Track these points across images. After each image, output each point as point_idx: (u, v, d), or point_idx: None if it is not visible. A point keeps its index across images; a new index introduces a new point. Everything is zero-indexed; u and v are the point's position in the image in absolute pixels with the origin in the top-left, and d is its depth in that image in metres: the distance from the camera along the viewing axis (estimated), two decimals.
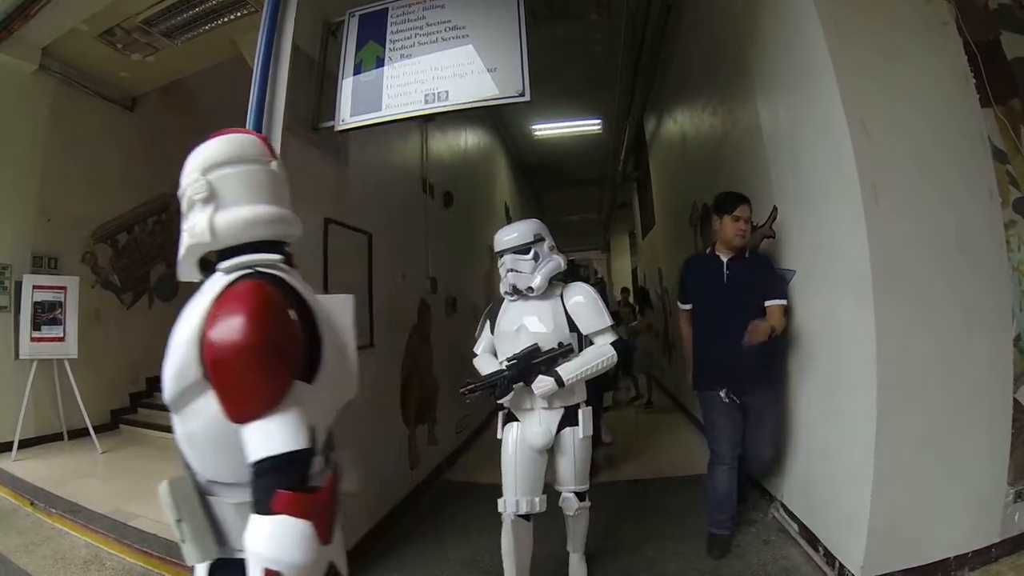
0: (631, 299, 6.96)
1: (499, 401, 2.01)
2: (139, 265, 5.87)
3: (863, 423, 2.02)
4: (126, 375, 5.53)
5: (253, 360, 0.80)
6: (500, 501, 2.06)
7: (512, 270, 2.09)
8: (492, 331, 2.21)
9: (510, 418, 2.14)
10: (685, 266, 2.83)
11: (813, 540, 2.42)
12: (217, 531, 0.89)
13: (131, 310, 5.75)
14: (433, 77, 2.43)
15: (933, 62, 2.13)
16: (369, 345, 3.09)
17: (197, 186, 0.97)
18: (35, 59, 3.52)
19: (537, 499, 2.05)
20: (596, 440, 3.43)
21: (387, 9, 2.59)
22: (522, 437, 2.06)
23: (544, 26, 4.96)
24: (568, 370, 1.97)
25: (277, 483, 0.77)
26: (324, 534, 0.79)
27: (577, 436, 2.10)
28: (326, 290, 2.64)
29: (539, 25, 4.79)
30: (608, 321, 2.06)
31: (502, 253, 2.12)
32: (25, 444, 4.33)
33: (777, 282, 2.53)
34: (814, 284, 2.44)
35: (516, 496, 2.03)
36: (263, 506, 0.76)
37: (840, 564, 2.17)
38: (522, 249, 2.08)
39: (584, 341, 2.10)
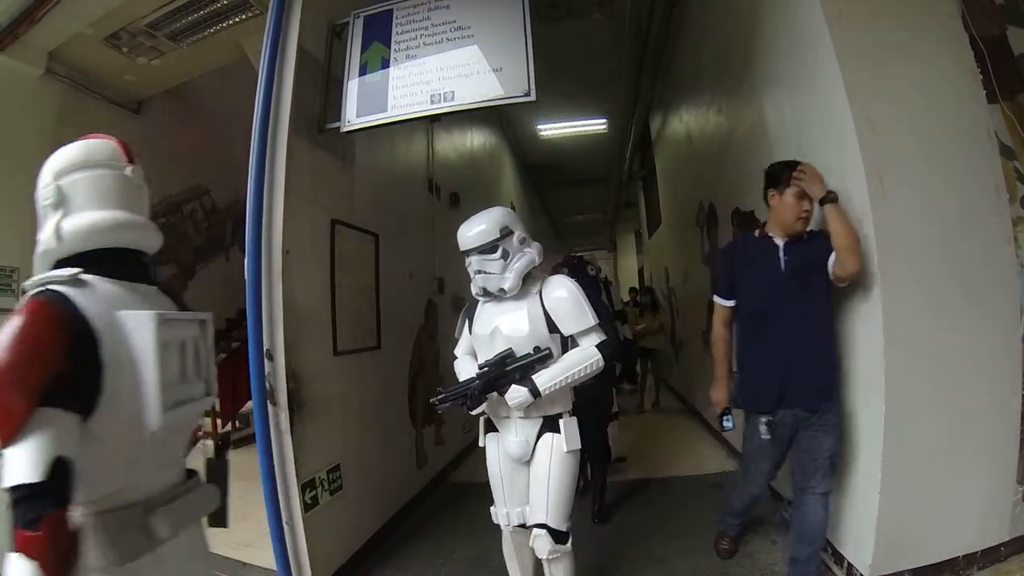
0: (640, 299, 6.75)
1: (471, 413, 1.79)
2: None
3: (871, 421, 2.02)
4: None
5: None
6: (493, 511, 1.97)
7: (480, 271, 1.82)
8: (471, 331, 1.96)
9: (491, 425, 1.95)
10: (724, 253, 2.41)
11: None
12: None
13: None
14: (439, 77, 2.44)
15: (939, 57, 2.12)
16: (376, 347, 3.10)
17: (47, 191, 0.97)
18: (41, 63, 3.53)
19: (528, 509, 1.90)
20: (605, 456, 3.22)
21: (392, 10, 2.60)
22: (503, 447, 1.91)
23: (548, 26, 4.95)
24: (545, 379, 1.72)
25: (15, 519, 0.76)
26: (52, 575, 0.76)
27: (557, 448, 1.81)
28: (333, 292, 2.65)
29: (543, 25, 4.78)
30: (593, 320, 1.78)
31: (467, 253, 1.84)
32: None
33: None
34: None
35: (506, 508, 1.93)
36: (11, 541, 0.76)
37: (848, 564, 2.17)
38: (488, 248, 1.79)
39: (569, 342, 1.84)
